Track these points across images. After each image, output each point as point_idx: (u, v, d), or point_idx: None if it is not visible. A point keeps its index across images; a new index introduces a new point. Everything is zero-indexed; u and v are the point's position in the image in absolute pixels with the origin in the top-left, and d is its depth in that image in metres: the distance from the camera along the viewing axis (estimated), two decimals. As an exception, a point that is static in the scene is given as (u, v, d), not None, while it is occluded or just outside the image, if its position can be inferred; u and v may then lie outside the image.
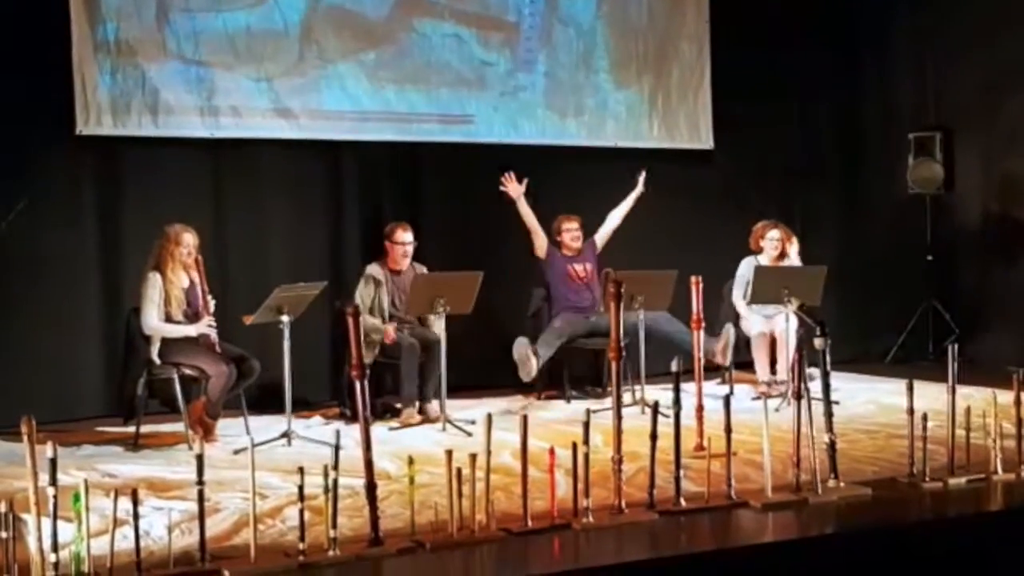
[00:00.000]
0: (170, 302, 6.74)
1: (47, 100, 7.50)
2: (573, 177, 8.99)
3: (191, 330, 6.74)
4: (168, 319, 6.74)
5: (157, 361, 6.74)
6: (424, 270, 7.70)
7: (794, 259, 8.41)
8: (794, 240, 8.46)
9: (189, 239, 6.81)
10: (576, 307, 8.20)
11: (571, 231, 8.31)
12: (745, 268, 8.29)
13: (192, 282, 6.86)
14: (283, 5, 8.15)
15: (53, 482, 3.99)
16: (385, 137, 8.52)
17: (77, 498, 4.03)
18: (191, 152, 7.99)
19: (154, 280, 6.73)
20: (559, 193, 8.85)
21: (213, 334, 6.75)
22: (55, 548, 3.99)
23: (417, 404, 7.38)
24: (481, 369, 8.48)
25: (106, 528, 4.20)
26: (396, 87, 8.52)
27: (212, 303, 6.86)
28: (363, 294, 7.51)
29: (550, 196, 8.87)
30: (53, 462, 3.99)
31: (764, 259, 8.30)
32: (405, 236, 7.59)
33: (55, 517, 3.99)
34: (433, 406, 7.32)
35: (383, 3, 8.50)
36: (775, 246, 8.27)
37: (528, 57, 8.98)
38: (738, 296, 8.29)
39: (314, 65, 8.26)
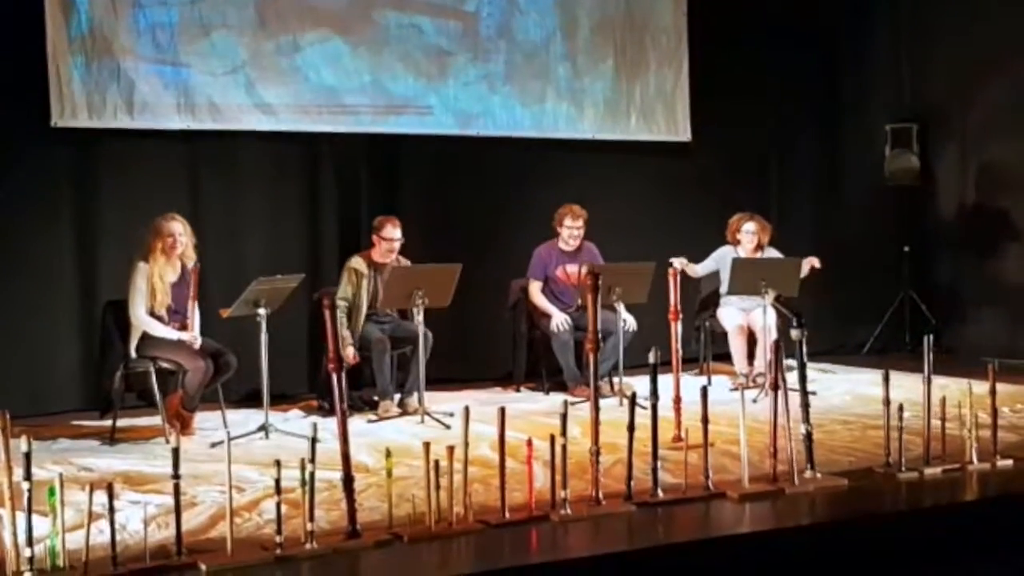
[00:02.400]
0: (155, 295, 6.71)
1: (22, 92, 7.45)
2: (552, 169, 8.99)
3: (174, 335, 6.71)
4: (151, 312, 6.71)
5: (134, 355, 6.71)
6: (407, 264, 7.65)
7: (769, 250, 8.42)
8: (767, 228, 8.44)
9: (175, 227, 6.77)
10: (558, 303, 8.17)
11: (571, 228, 8.13)
12: (719, 254, 8.30)
13: (183, 276, 6.83)
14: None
15: (28, 476, 3.97)
16: (353, 129, 8.46)
17: (52, 492, 4.01)
18: (167, 144, 7.94)
19: (142, 270, 6.71)
20: (537, 185, 8.85)
21: (195, 344, 6.74)
22: (30, 542, 3.97)
23: (396, 397, 7.38)
24: (460, 362, 8.48)
25: (82, 522, 4.18)
26: (365, 76, 8.48)
27: (197, 323, 6.84)
28: (345, 289, 7.45)
29: (529, 188, 8.89)
30: (28, 456, 3.98)
31: (741, 252, 8.32)
32: (394, 232, 7.50)
33: (30, 511, 3.97)
34: (412, 399, 7.31)
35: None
36: (751, 239, 8.28)
37: (490, 46, 8.90)
38: (699, 268, 8.34)
39: (284, 55, 8.21)
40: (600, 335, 5.10)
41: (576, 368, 7.97)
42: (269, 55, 8.18)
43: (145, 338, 6.72)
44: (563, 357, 7.99)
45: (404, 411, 7.29)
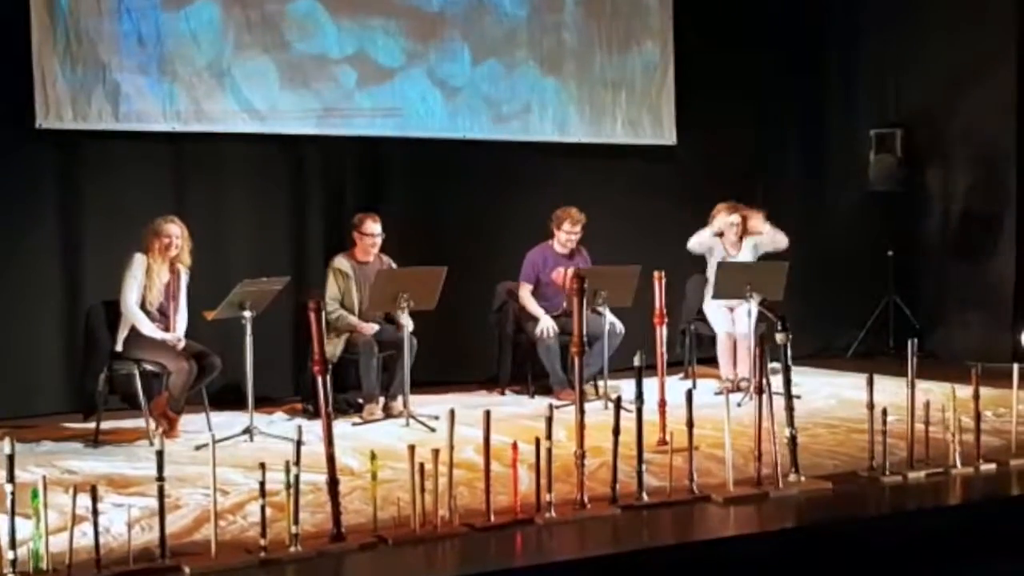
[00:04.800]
0: (150, 289, 6.73)
1: (6, 93, 7.42)
2: (537, 172, 8.99)
3: (158, 335, 6.71)
4: (141, 306, 6.71)
5: (119, 349, 6.70)
6: (391, 262, 7.67)
7: (762, 227, 8.39)
8: (756, 213, 8.43)
9: (172, 230, 6.80)
10: (547, 305, 8.17)
11: (570, 233, 8.11)
12: (708, 240, 8.30)
13: (171, 280, 6.84)
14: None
15: (11, 479, 3.96)
16: (338, 131, 8.44)
17: (35, 495, 4.00)
18: (152, 146, 7.92)
19: (140, 260, 6.73)
20: (523, 189, 8.86)
21: (178, 345, 6.74)
22: (13, 545, 3.96)
23: (381, 401, 7.37)
24: (445, 365, 8.48)
25: (65, 525, 4.17)
26: (351, 77, 8.47)
27: (183, 325, 6.84)
28: (333, 289, 7.47)
29: (515, 192, 8.89)
30: (11, 458, 3.96)
31: (725, 243, 8.30)
32: (374, 228, 7.53)
33: (13, 514, 3.97)
34: (397, 402, 7.31)
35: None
36: (735, 231, 8.29)
37: (474, 46, 8.89)
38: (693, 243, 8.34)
39: (270, 57, 8.18)
40: (586, 339, 5.10)
41: (562, 372, 7.98)
42: (255, 58, 8.16)
43: (131, 336, 6.72)
44: (548, 361, 7.99)
45: (388, 414, 7.29)
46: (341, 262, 7.54)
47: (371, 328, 7.39)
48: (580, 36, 9.33)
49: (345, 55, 8.46)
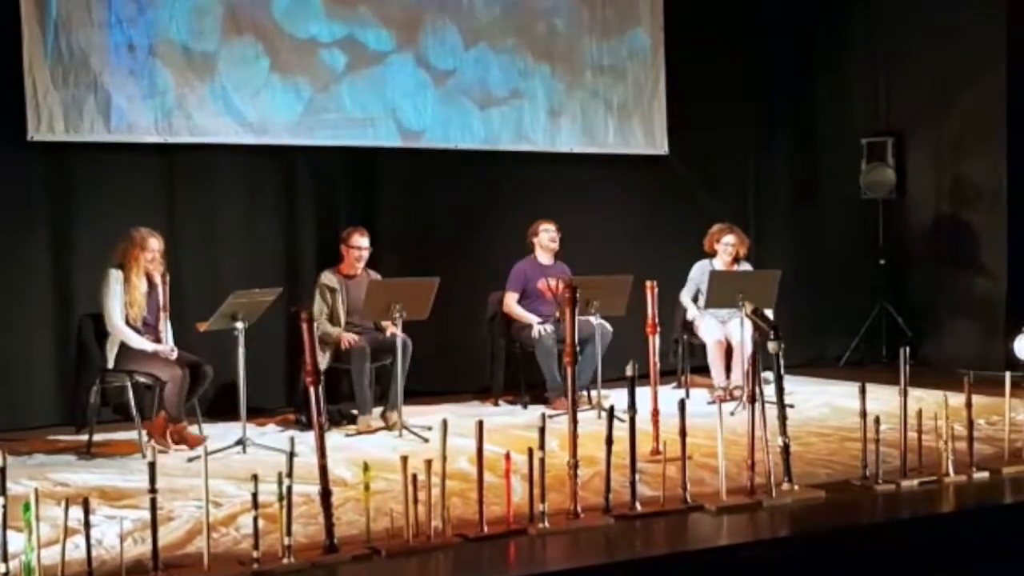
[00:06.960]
0: (132, 304, 6.69)
1: (-3, 105, 7.44)
2: (529, 183, 9.00)
3: (150, 347, 6.69)
4: (126, 322, 6.69)
5: (111, 366, 6.68)
6: (377, 277, 7.68)
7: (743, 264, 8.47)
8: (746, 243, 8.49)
9: (155, 244, 6.78)
10: (538, 315, 8.18)
11: (549, 231, 8.24)
12: (697, 272, 8.34)
13: (152, 288, 6.81)
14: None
15: (2, 491, 3.94)
16: (329, 142, 8.45)
17: (27, 507, 3.98)
18: (144, 157, 7.92)
19: (116, 276, 6.69)
20: (514, 199, 8.86)
21: (171, 355, 6.73)
22: (5, 558, 3.95)
23: (375, 411, 7.36)
24: (438, 375, 8.47)
25: (57, 537, 4.14)
26: (343, 87, 8.48)
27: (170, 333, 6.83)
28: (320, 304, 7.48)
29: (506, 202, 8.90)
30: (2, 471, 3.95)
31: (718, 263, 8.34)
32: (362, 241, 7.58)
33: (5, 527, 3.95)
34: (392, 413, 7.30)
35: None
36: (729, 251, 8.31)
37: (468, 55, 8.91)
38: (686, 298, 8.35)
39: (261, 67, 8.19)
40: (578, 346, 5.10)
41: (559, 377, 7.97)
42: (245, 68, 8.17)
43: (121, 351, 6.69)
44: (546, 365, 7.97)
45: (387, 424, 7.27)
46: (328, 277, 7.57)
47: (351, 337, 7.36)
48: (572, 47, 9.33)
49: (335, 39, 8.46)
